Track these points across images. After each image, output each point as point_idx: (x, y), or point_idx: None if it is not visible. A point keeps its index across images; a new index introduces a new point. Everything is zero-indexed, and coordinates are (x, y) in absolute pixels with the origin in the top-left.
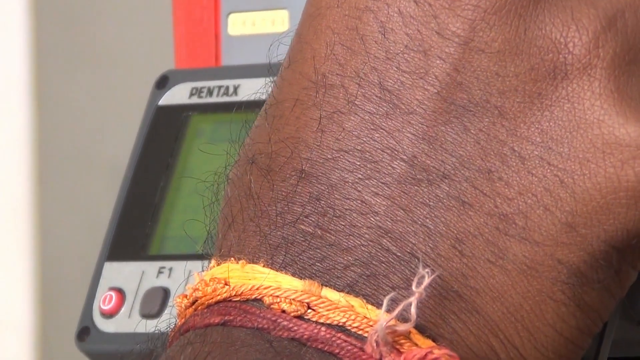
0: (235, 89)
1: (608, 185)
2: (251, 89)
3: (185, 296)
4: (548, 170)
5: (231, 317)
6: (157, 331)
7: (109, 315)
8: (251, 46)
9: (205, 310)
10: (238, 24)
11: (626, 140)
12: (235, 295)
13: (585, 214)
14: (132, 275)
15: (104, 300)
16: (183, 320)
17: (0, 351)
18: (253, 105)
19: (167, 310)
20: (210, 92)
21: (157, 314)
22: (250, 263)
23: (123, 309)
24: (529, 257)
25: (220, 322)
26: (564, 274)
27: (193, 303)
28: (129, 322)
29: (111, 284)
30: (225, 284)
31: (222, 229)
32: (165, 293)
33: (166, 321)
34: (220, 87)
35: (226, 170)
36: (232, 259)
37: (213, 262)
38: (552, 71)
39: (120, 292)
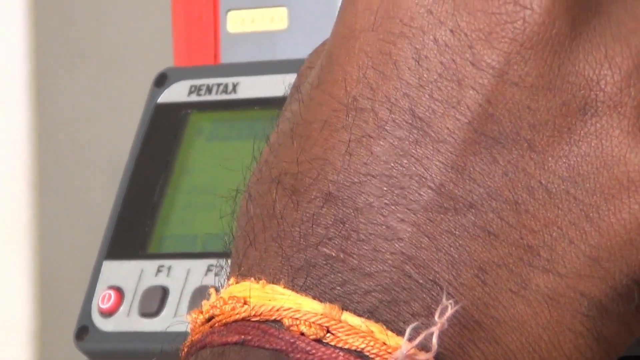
0: (235, 86)
1: (632, 221)
2: (250, 86)
3: (201, 312)
4: (574, 205)
5: (250, 337)
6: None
7: (107, 314)
8: (250, 44)
9: (222, 328)
10: (237, 22)
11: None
12: (254, 315)
13: (609, 248)
14: (130, 274)
15: (103, 299)
16: (198, 336)
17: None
18: (252, 103)
19: (165, 309)
20: (209, 90)
21: (156, 313)
22: (270, 283)
23: (122, 307)
24: (552, 288)
25: (239, 341)
26: (585, 306)
27: (209, 320)
28: (128, 321)
29: (110, 282)
30: (245, 303)
31: (242, 246)
32: (164, 292)
33: (167, 320)
34: (219, 85)
35: (245, 185)
36: (253, 278)
37: (232, 279)
38: (583, 107)
39: (119, 290)
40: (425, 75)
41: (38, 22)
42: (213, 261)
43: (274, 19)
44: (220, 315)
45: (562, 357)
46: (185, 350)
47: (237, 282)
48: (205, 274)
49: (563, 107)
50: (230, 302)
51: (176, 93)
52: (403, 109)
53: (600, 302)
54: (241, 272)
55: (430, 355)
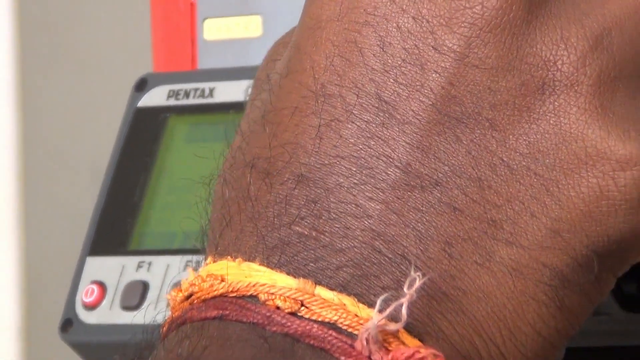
0: (211, 91)
1: (591, 194)
2: (226, 91)
3: (180, 290)
4: (535, 180)
5: (227, 312)
6: (152, 322)
7: (91, 307)
8: (226, 50)
9: (201, 305)
10: (213, 29)
11: (607, 153)
12: (231, 291)
13: (569, 221)
14: (112, 269)
15: (86, 293)
16: (179, 313)
17: None
18: (228, 107)
19: (146, 303)
20: (187, 94)
21: (137, 306)
22: (246, 261)
23: (104, 301)
24: (515, 259)
25: (217, 316)
26: (547, 276)
27: (188, 297)
28: (110, 314)
29: (93, 277)
30: (222, 280)
31: (218, 228)
32: (144, 286)
33: (148, 313)
34: (196, 90)
35: (220, 171)
36: (229, 257)
37: (209, 259)
38: (541, 87)
39: (101, 285)
40: (389, 61)
41: (22, 29)
42: (191, 257)
43: (249, 27)
44: (199, 292)
45: (527, 326)
46: (166, 327)
47: (214, 261)
48: (184, 269)
49: (522, 87)
50: (208, 279)
51: (155, 97)
52: (369, 94)
53: (561, 272)
54: (218, 252)
55: (400, 325)
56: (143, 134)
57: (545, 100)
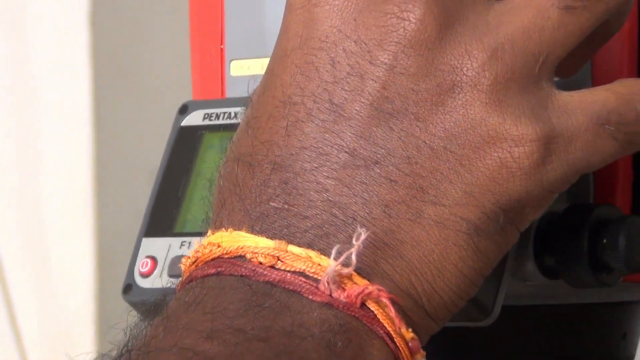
0: (236, 114)
1: (493, 164)
2: None
3: (189, 257)
4: (451, 156)
5: (222, 269)
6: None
7: (145, 275)
8: (246, 84)
9: (203, 265)
10: (237, 68)
11: (504, 134)
12: (225, 253)
13: (479, 184)
14: (162, 247)
15: (142, 265)
16: (187, 274)
17: (69, 306)
18: None
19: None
20: (218, 117)
21: (179, 275)
22: (236, 230)
23: (156, 271)
24: (439, 215)
25: (215, 272)
26: (464, 226)
27: (194, 262)
28: (160, 280)
29: (147, 253)
30: (219, 246)
31: (215, 210)
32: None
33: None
34: (225, 113)
35: (218, 170)
36: (223, 228)
37: (209, 232)
38: (452, 87)
39: (154, 259)
40: (338, 74)
41: (97, 63)
42: None
43: (264, 66)
44: (201, 257)
45: (451, 265)
46: (179, 286)
47: (212, 233)
48: None
49: (437, 87)
50: (208, 246)
51: (194, 119)
52: (324, 99)
53: (475, 223)
54: (215, 226)
55: (351, 269)
56: (185, 146)
57: (455, 97)
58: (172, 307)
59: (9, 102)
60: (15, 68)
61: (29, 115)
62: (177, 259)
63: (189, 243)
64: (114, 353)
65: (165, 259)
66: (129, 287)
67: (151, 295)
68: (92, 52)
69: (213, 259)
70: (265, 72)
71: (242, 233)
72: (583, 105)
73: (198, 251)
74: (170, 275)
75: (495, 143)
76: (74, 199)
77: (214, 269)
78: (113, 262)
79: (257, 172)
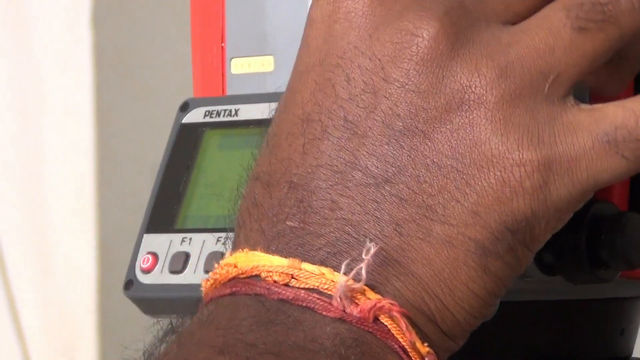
0: (236, 111)
1: (497, 184)
2: (247, 111)
3: (208, 280)
4: (457, 175)
5: (238, 288)
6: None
7: (146, 271)
8: (247, 81)
9: (220, 287)
10: (238, 66)
11: (506, 154)
12: (241, 273)
13: (484, 204)
14: (163, 243)
15: (144, 261)
16: (208, 297)
17: (72, 300)
18: (249, 123)
19: (187, 268)
20: (218, 114)
21: (180, 271)
22: (251, 250)
23: (156, 267)
24: (447, 234)
25: (231, 292)
26: (473, 246)
27: (213, 284)
28: (161, 276)
29: (148, 249)
30: (235, 267)
31: (236, 230)
32: (186, 256)
33: (188, 276)
34: (225, 110)
35: (239, 189)
36: (240, 249)
37: (227, 253)
38: (460, 105)
39: (154, 255)
40: (352, 91)
41: (99, 62)
42: (220, 234)
43: (264, 64)
44: (219, 278)
45: (461, 285)
46: (200, 307)
47: (230, 255)
48: (215, 243)
49: (446, 105)
50: (225, 267)
51: (195, 116)
52: (339, 117)
53: (482, 243)
54: (234, 247)
55: (362, 283)
56: (186, 143)
57: (463, 115)
58: (187, 326)
59: (14, 101)
60: (19, 68)
61: (33, 114)
62: (178, 255)
63: (190, 239)
64: None
65: (166, 255)
66: (130, 283)
67: (152, 291)
68: (95, 52)
69: (229, 280)
70: (287, 89)
71: (258, 253)
72: (591, 122)
73: (216, 272)
74: (172, 272)
75: (498, 162)
76: (76, 196)
77: (230, 289)
78: (115, 257)
79: (274, 191)
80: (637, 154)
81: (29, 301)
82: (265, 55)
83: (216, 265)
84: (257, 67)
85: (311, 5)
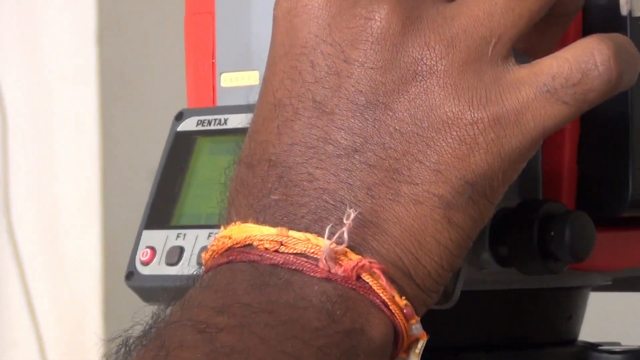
0: (225, 120)
1: (455, 143)
2: (235, 120)
3: (206, 252)
4: (418, 139)
5: (233, 257)
6: (186, 273)
7: (145, 263)
8: (235, 94)
9: (217, 257)
10: (227, 80)
11: (459, 115)
12: (235, 244)
13: (444, 162)
14: (160, 238)
15: (143, 254)
16: (206, 266)
17: (79, 290)
18: (236, 131)
19: (182, 261)
20: (209, 123)
21: (175, 263)
22: (243, 223)
23: (154, 260)
24: (414, 193)
25: (227, 261)
26: (437, 201)
27: (211, 255)
28: (158, 268)
29: (147, 244)
30: (229, 238)
31: (227, 208)
32: (181, 250)
33: (183, 267)
34: (216, 119)
35: (225, 184)
36: (233, 222)
37: (222, 228)
38: (414, 76)
39: (152, 249)
40: (317, 75)
41: (103, 76)
42: (212, 230)
43: (250, 78)
44: (216, 249)
45: (429, 237)
46: (201, 277)
47: (224, 228)
48: (207, 238)
49: (402, 78)
50: (220, 239)
51: (189, 124)
52: (308, 99)
53: (446, 198)
54: (226, 222)
55: (344, 246)
56: (180, 149)
57: (418, 85)
58: (189, 292)
59: (27, 111)
60: (32, 81)
61: (44, 124)
62: (174, 249)
63: (184, 235)
64: (138, 331)
65: (163, 249)
66: (131, 274)
67: (150, 281)
68: (99, 66)
69: (225, 250)
70: (261, 82)
71: (249, 225)
72: (531, 77)
73: (213, 245)
74: (168, 264)
75: (453, 124)
76: (83, 196)
77: (226, 258)
78: (117, 251)
79: (257, 170)
80: (576, 97)
81: (41, 289)
82: (251, 70)
83: (213, 238)
84: (244, 80)
85: (274, 6)
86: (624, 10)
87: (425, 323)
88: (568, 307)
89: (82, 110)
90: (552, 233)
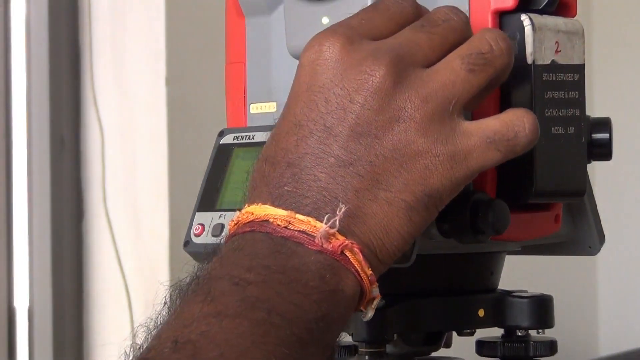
0: (253, 136)
1: (421, 167)
2: (260, 136)
3: (233, 220)
4: (396, 161)
5: (255, 228)
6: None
7: (198, 235)
8: (260, 118)
9: (242, 226)
10: (254, 108)
11: (426, 150)
12: (256, 218)
13: (412, 180)
14: (208, 218)
15: (196, 228)
16: (232, 231)
17: (154, 251)
18: (261, 144)
19: (223, 233)
20: (242, 138)
21: (218, 235)
22: (263, 204)
23: (204, 233)
24: (388, 197)
25: (250, 230)
26: (403, 205)
27: (237, 223)
28: (206, 238)
29: (199, 221)
30: (252, 214)
31: (250, 191)
32: (222, 226)
33: (224, 239)
34: (247, 136)
35: (249, 172)
36: (255, 203)
37: (246, 205)
38: (398, 119)
39: (202, 225)
40: (329, 108)
41: (171, 106)
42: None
43: (270, 107)
44: (241, 220)
45: (394, 229)
46: (227, 238)
47: (248, 206)
48: None
49: (390, 119)
50: (245, 214)
51: (228, 139)
52: (320, 123)
53: (409, 203)
54: (250, 202)
55: (335, 230)
56: (222, 156)
57: (400, 125)
58: (224, 251)
59: (118, 131)
60: (122, 111)
61: (130, 138)
62: (217, 226)
63: (225, 215)
64: (187, 280)
65: (210, 225)
66: (187, 243)
67: (202, 247)
68: (168, 99)
69: (248, 222)
70: (285, 106)
71: (267, 206)
72: (478, 131)
73: (239, 217)
74: (213, 235)
75: (422, 154)
76: (156, 188)
77: (249, 228)
78: (179, 226)
79: (277, 168)
80: (508, 149)
81: (127, 252)
82: (272, 102)
83: (238, 212)
84: (266, 109)
85: (301, 55)
86: (529, 60)
87: (391, 279)
88: (490, 266)
89: (155, 131)
90: (480, 214)
